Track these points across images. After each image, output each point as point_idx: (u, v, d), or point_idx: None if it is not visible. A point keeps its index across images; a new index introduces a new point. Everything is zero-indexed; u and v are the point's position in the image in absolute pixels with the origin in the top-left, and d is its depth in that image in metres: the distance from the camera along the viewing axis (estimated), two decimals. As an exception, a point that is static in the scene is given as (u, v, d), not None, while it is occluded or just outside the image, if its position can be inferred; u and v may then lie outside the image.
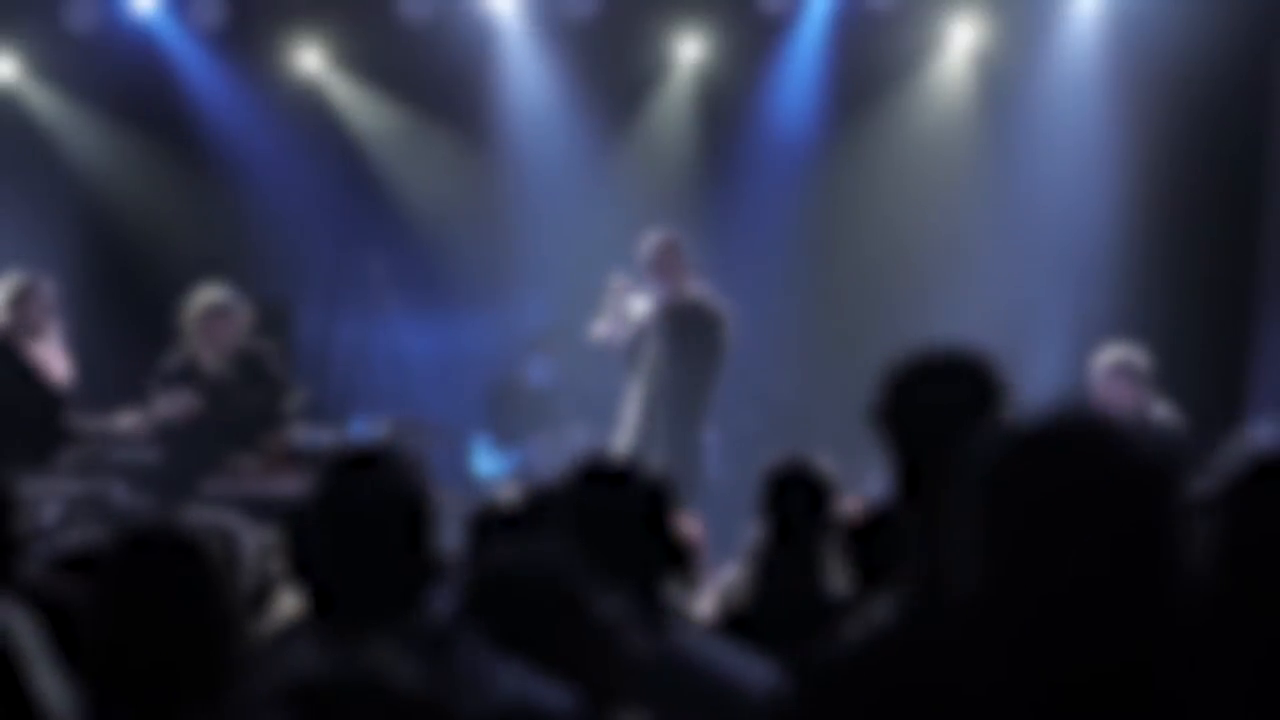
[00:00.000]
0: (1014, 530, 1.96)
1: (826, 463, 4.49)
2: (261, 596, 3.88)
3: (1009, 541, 1.96)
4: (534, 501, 3.72)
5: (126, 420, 8.65)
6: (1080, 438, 1.98)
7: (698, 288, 8.81)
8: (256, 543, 3.80)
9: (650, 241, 8.82)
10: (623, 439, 8.80)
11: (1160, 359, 8.34)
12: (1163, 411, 8.16)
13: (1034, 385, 10.10)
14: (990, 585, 1.96)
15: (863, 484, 7.10)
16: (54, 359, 8.75)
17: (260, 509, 5.16)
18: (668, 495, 3.45)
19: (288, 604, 4.04)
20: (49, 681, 2.78)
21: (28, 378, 8.62)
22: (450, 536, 3.70)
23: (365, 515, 3.01)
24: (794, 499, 4.27)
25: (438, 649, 2.94)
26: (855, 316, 10.60)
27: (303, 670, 2.94)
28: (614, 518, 3.40)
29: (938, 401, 2.56)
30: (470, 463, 10.28)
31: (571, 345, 10.25)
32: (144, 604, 2.92)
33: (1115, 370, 8.18)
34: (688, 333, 8.69)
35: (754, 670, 3.27)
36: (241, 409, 8.68)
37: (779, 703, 2.53)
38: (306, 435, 8.90)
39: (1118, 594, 1.93)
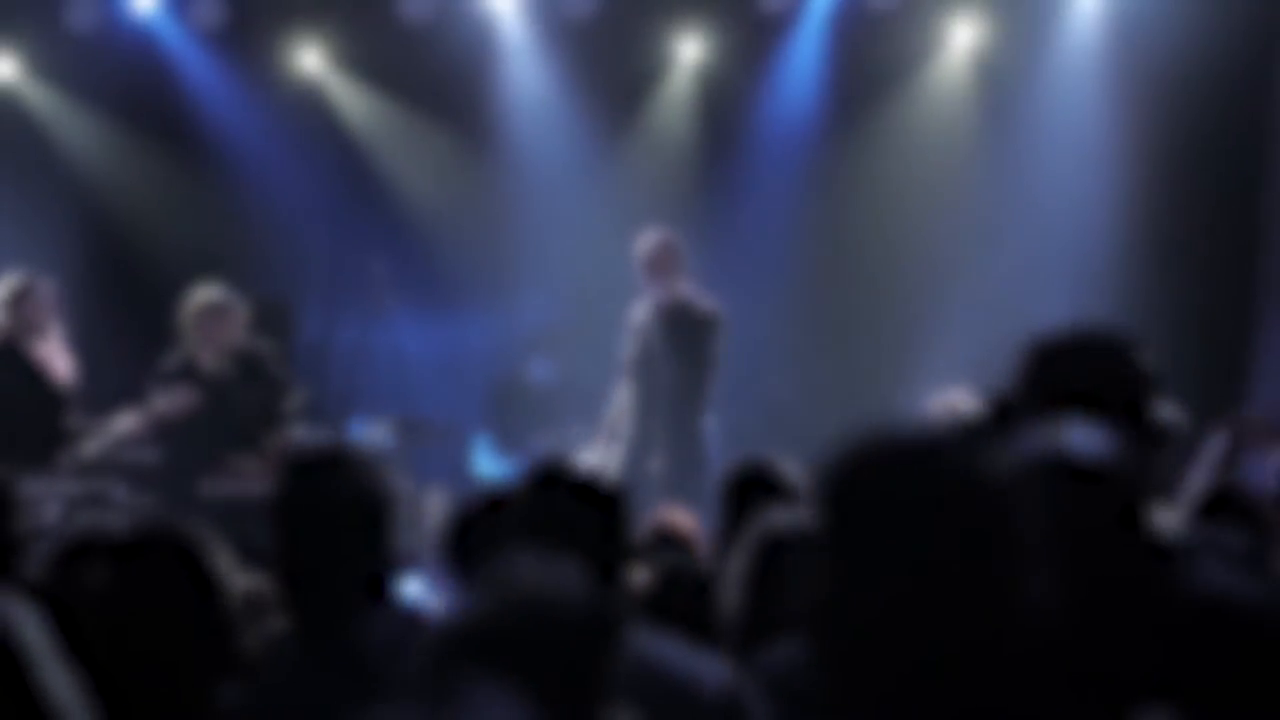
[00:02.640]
0: (853, 542, 1.96)
1: (791, 468, 4.48)
2: (253, 603, 3.87)
3: (849, 553, 1.96)
4: (491, 507, 3.72)
5: (126, 422, 8.65)
6: (918, 451, 1.97)
7: (690, 288, 8.83)
8: (229, 553, 3.80)
9: (646, 241, 8.83)
10: (617, 438, 8.83)
11: (1160, 358, 8.38)
12: (1165, 411, 8.20)
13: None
14: (831, 597, 1.96)
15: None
16: (55, 358, 8.76)
17: (260, 509, 5.15)
18: (623, 501, 3.45)
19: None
20: (55, 677, 2.78)
21: (30, 378, 8.62)
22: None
23: (322, 515, 3.02)
24: (752, 502, 4.24)
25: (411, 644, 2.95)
26: (855, 316, 10.60)
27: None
28: (570, 524, 3.40)
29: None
30: (470, 463, 10.28)
31: (571, 345, 10.25)
32: (142, 604, 2.92)
33: None
34: (684, 332, 8.72)
35: (706, 668, 3.27)
36: (241, 408, 8.68)
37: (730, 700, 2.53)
38: (306, 435, 8.89)
39: (953, 606, 1.92)
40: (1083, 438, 2.13)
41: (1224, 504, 4.25)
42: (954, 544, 1.94)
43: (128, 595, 3.04)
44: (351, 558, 3.02)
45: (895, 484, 1.96)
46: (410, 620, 3.01)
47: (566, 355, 10.28)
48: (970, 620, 1.93)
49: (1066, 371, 2.83)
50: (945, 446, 1.98)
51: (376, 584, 3.03)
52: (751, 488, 4.29)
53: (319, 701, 2.93)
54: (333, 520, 3.02)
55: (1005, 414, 2.88)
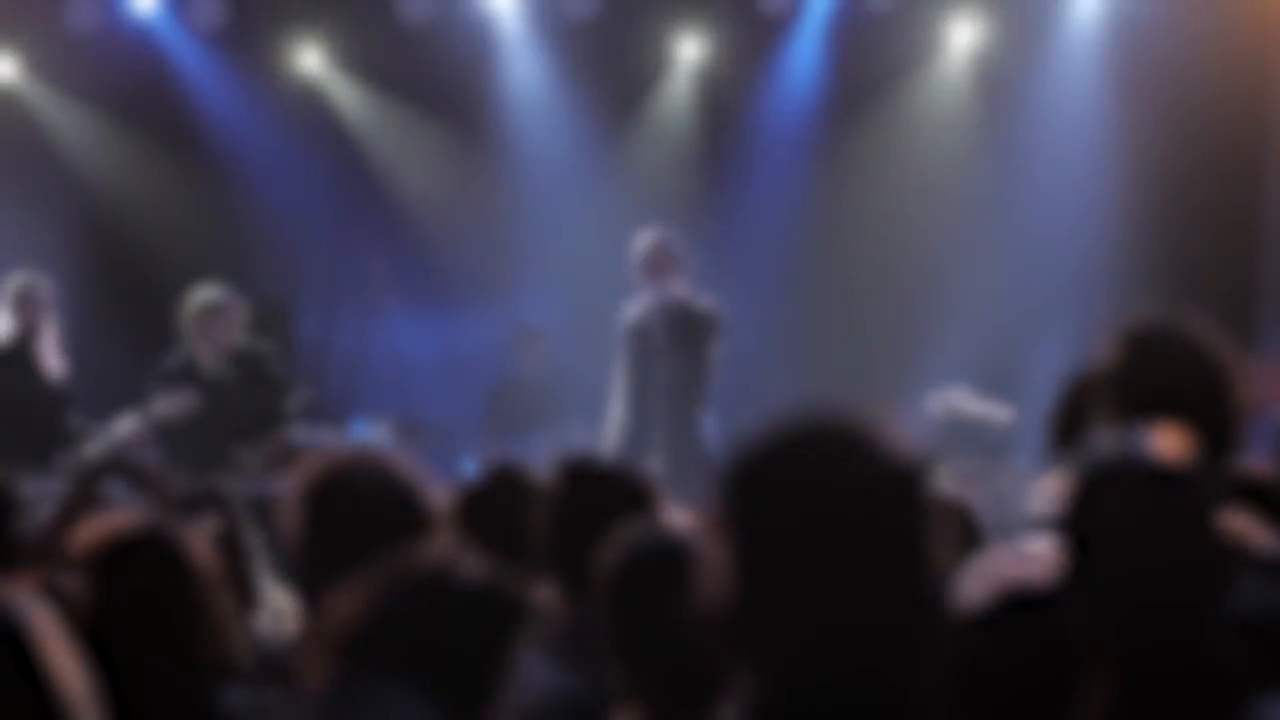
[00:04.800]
0: (760, 529, 1.94)
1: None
2: (241, 594, 3.87)
3: (755, 541, 1.94)
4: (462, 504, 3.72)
5: (126, 423, 8.66)
6: (824, 439, 1.95)
7: (687, 288, 8.83)
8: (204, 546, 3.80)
9: (643, 242, 8.84)
10: (611, 437, 8.83)
11: None
12: None
13: (1034, 386, 10.10)
14: (741, 589, 1.94)
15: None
16: (50, 358, 8.77)
17: (260, 508, 5.16)
18: (655, 494, 3.45)
19: (279, 601, 4.04)
20: (67, 671, 2.78)
21: (32, 378, 8.63)
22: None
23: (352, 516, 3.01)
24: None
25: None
26: (855, 316, 10.60)
27: None
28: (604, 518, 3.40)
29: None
30: (469, 463, 10.27)
31: (569, 344, 10.24)
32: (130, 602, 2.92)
33: None
34: (685, 331, 8.72)
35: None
36: (241, 409, 8.69)
37: None
38: (306, 435, 8.89)
39: (863, 601, 1.90)
40: (1158, 440, 2.10)
41: None
42: (861, 533, 1.91)
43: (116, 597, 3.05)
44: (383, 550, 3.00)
45: (799, 475, 1.93)
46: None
47: (547, 356, 10.25)
48: (880, 611, 1.90)
49: (1150, 369, 2.80)
50: (849, 435, 1.95)
51: None
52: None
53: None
54: (358, 527, 3.01)
55: (1080, 410, 2.86)
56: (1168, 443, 2.05)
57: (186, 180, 11.08)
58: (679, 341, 8.72)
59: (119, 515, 3.10)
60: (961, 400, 9.51)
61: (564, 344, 10.30)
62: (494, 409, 10.30)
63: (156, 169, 11.09)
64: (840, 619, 1.89)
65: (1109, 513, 1.99)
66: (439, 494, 3.12)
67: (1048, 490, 2.09)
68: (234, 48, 10.91)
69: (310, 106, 11.06)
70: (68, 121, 11.08)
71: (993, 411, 9.53)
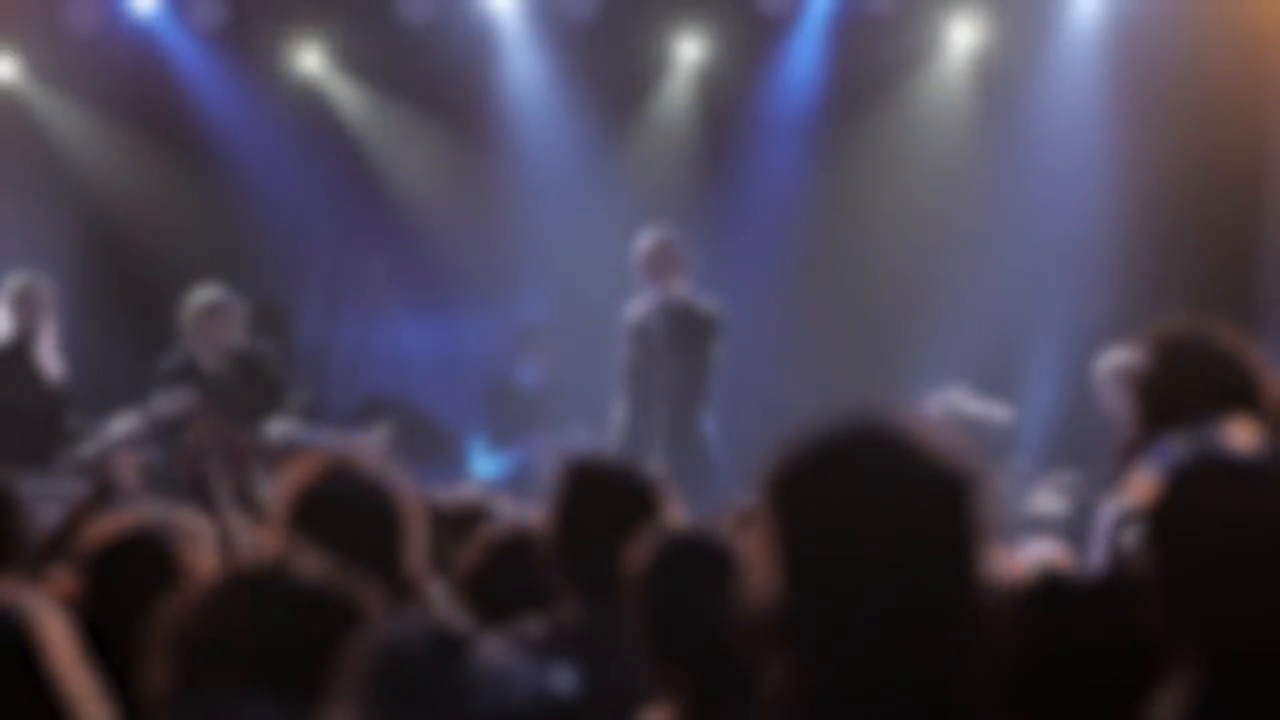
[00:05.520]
0: (804, 533, 1.94)
1: None
2: None
3: (800, 544, 1.94)
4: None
5: (126, 423, 8.67)
6: (874, 444, 1.96)
7: (689, 288, 8.84)
8: (220, 538, 3.80)
9: (645, 241, 8.84)
10: (614, 439, 8.83)
11: None
12: None
13: (1034, 387, 10.11)
14: (787, 597, 1.94)
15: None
16: (49, 358, 8.78)
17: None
18: (661, 493, 3.45)
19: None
20: (72, 671, 2.78)
21: (32, 379, 8.63)
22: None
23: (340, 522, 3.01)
24: None
25: (453, 649, 2.94)
26: (855, 316, 10.60)
27: None
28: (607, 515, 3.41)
29: None
30: (468, 464, 10.27)
31: (559, 345, 10.23)
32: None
33: (1120, 373, 8.28)
34: (686, 332, 8.72)
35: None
36: (241, 409, 8.69)
37: None
38: (306, 435, 8.89)
39: (914, 600, 1.91)
40: (1234, 434, 2.09)
41: None
42: (907, 534, 1.92)
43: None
44: (372, 557, 3.00)
45: (848, 479, 1.94)
46: (435, 629, 2.99)
47: (552, 357, 10.26)
48: (925, 610, 1.91)
49: (1183, 374, 2.81)
50: (897, 437, 1.96)
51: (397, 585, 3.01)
52: None
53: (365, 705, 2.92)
54: (350, 527, 3.01)
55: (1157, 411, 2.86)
56: (1243, 436, 2.06)
57: (186, 180, 11.08)
58: (680, 341, 8.73)
59: (120, 516, 3.10)
60: (961, 400, 9.50)
61: (563, 344, 10.30)
62: (493, 410, 10.30)
63: (156, 169, 11.09)
64: (886, 618, 1.91)
65: (1201, 509, 1.99)
66: (412, 492, 3.12)
67: (1131, 492, 2.09)
68: (234, 48, 10.91)
69: (310, 106, 11.05)
70: (68, 121, 11.07)
71: (992, 411, 9.52)
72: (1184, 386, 2.78)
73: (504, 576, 3.70)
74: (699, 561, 3.00)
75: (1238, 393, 2.79)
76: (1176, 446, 2.08)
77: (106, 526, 3.07)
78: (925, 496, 1.93)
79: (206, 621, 2.75)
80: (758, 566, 1.96)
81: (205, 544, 3.63)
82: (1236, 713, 1.96)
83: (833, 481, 1.95)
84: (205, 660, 2.74)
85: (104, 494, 4.48)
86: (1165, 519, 2.00)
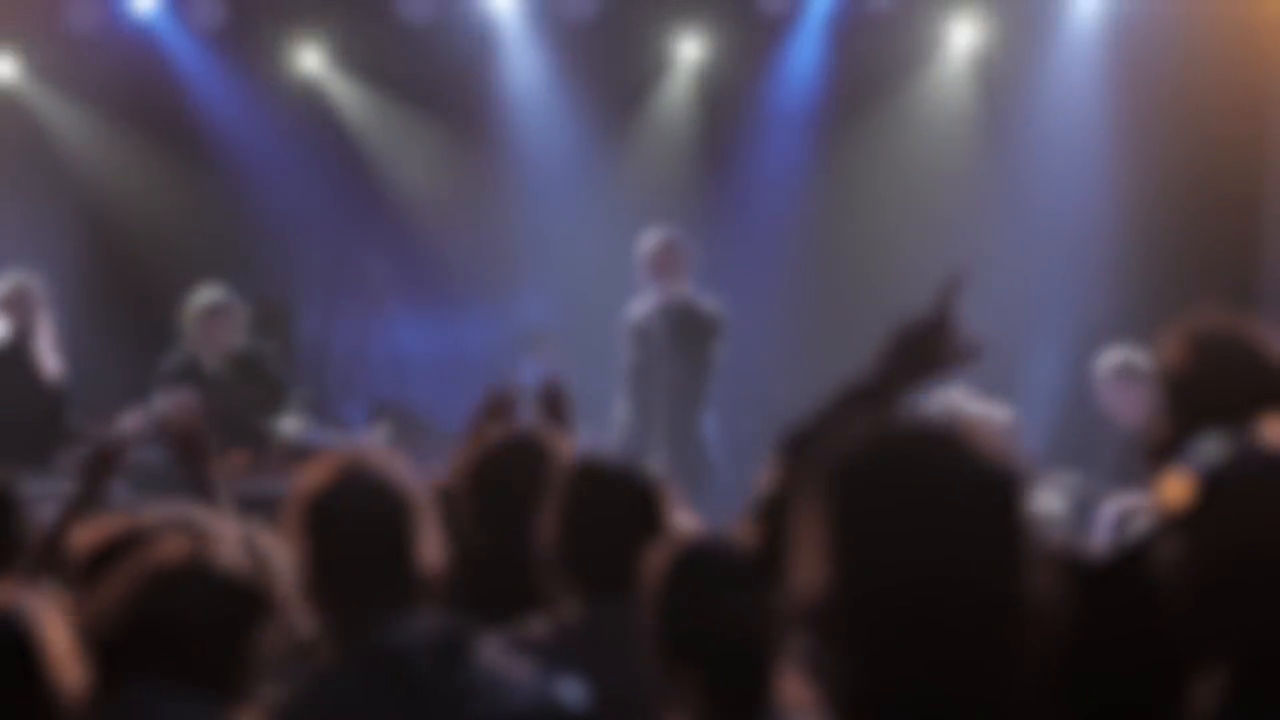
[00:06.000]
0: (860, 528, 1.96)
1: None
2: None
3: (854, 539, 1.96)
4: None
5: (124, 424, 8.66)
6: (927, 440, 1.97)
7: (692, 289, 8.84)
8: (238, 537, 3.80)
9: (650, 241, 8.84)
10: (615, 438, 8.83)
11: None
12: None
13: (1034, 386, 10.11)
14: (838, 589, 1.95)
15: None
16: (47, 357, 8.78)
17: (259, 507, 5.15)
18: (662, 491, 3.45)
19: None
20: (69, 673, 2.78)
21: (31, 378, 8.64)
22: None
23: (355, 518, 3.01)
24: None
25: (455, 650, 2.94)
26: (855, 315, 10.58)
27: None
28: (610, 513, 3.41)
29: None
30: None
31: (563, 346, 10.24)
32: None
33: (1120, 372, 8.36)
34: (689, 333, 8.73)
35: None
36: (241, 409, 8.70)
37: None
38: (306, 435, 8.90)
39: (964, 595, 1.92)
40: (1268, 434, 2.09)
41: None
42: (959, 532, 1.93)
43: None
44: (384, 559, 3.00)
45: (904, 475, 1.96)
46: (455, 625, 2.99)
47: (556, 359, 10.26)
48: (979, 613, 1.92)
49: (1214, 371, 2.81)
50: (953, 438, 1.97)
51: (406, 587, 3.00)
52: None
53: (353, 704, 2.92)
54: (366, 523, 3.01)
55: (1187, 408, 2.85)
56: (1277, 434, 2.06)
57: (186, 180, 11.08)
58: (681, 342, 8.73)
59: (113, 517, 3.09)
60: (961, 400, 9.51)
61: (564, 344, 10.31)
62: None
63: (156, 169, 11.09)
64: (936, 615, 1.93)
65: (1239, 509, 1.99)
66: (425, 490, 3.12)
67: (1164, 492, 2.08)
68: (234, 48, 10.91)
69: (310, 106, 11.06)
70: (68, 121, 11.08)
71: (992, 411, 9.52)
72: (1216, 383, 2.78)
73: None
74: (715, 570, 2.99)
75: (1271, 390, 2.79)
76: (1211, 446, 2.07)
77: (101, 529, 3.06)
78: (977, 494, 1.96)
79: (123, 618, 2.75)
80: (807, 560, 1.98)
81: (227, 544, 3.64)
82: (1269, 713, 1.96)
83: (886, 478, 1.97)
84: (123, 657, 2.74)
85: (92, 494, 4.46)
86: (1202, 519, 2.01)
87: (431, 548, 3.02)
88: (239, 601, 2.77)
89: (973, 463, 1.97)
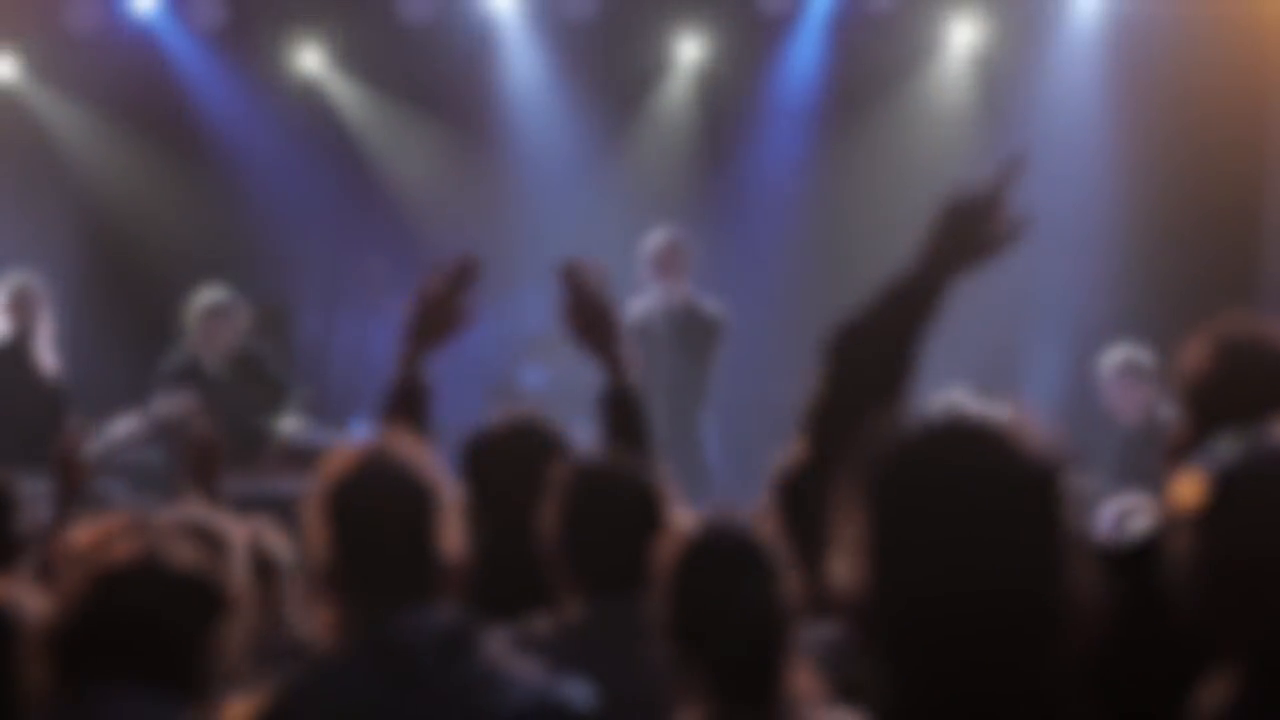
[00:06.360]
0: (898, 528, 1.95)
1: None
2: (266, 592, 3.86)
3: (892, 540, 1.95)
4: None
5: (126, 423, 8.67)
6: (967, 438, 1.97)
7: (692, 289, 8.84)
8: (249, 540, 3.79)
9: (656, 239, 8.84)
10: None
11: (1161, 360, 8.53)
12: (1168, 411, 8.31)
13: (1034, 386, 10.10)
14: (876, 584, 1.95)
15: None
16: (46, 357, 8.78)
17: (259, 507, 5.16)
18: (661, 490, 3.44)
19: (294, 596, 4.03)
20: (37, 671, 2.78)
21: (31, 378, 8.64)
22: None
23: (373, 509, 2.99)
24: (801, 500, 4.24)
25: (459, 645, 2.93)
26: (855, 316, 10.58)
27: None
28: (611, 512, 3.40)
29: None
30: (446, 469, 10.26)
31: (565, 349, 10.23)
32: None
33: (1123, 370, 8.45)
34: (692, 334, 8.73)
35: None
36: (241, 409, 8.70)
37: None
38: (306, 435, 8.90)
39: (1005, 594, 1.92)
40: None
41: None
42: (1000, 532, 1.92)
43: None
44: (406, 550, 2.98)
45: (944, 476, 1.95)
46: (461, 620, 2.98)
47: (558, 361, 10.26)
48: (1022, 614, 1.92)
49: (1240, 375, 2.81)
50: (993, 432, 1.97)
51: (425, 579, 2.99)
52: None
53: (351, 694, 2.91)
54: (388, 513, 2.99)
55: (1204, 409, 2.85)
56: None
57: (186, 180, 11.08)
58: (682, 343, 8.73)
59: (110, 516, 3.09)
60: (961, 400, 9.50)
61: (562, 343, 10.29)
62: (494, 411, 10.29)
63: (156, 169, 11.09)
64: (978, 617, 1.92)
65: (1252, 507, 1.99)
66: (447, 482, 3.10)
67: (1176, 492, 2.08)
68: (234, 48, 10.91)
69: (310, 106, 11.05)
70: (68, 121, 11.07)
71: (993, 411, 9.53)
72: (1237, 388, 2.77)
73: None
74: (729, 554, 2.97)
75: None
76: (1223, 445, 2.06)
77: (98, 527, 3.06)
78: (1020, 494, 1.95)
79: (78, 618, 2.74)
80: (845, 556, 1.97)
81: (236, 548, 3.65)
82: (1278, 712, 1.96)
83: (926, 479, 1.96)
84: (80, 657, 2.74)
85: (70, 494, 4.46)
86: (1213, 517, 2.00)
87: (453, 539, 3.00)
88: (194, 598, 2.76)
89: (1015, 461, 1.95)
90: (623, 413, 3.90)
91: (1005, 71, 10.58)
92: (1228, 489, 1.99)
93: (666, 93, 11.10)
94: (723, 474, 9.39)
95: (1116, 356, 8.56)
